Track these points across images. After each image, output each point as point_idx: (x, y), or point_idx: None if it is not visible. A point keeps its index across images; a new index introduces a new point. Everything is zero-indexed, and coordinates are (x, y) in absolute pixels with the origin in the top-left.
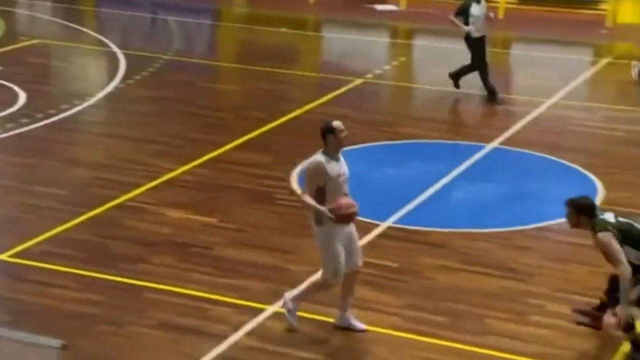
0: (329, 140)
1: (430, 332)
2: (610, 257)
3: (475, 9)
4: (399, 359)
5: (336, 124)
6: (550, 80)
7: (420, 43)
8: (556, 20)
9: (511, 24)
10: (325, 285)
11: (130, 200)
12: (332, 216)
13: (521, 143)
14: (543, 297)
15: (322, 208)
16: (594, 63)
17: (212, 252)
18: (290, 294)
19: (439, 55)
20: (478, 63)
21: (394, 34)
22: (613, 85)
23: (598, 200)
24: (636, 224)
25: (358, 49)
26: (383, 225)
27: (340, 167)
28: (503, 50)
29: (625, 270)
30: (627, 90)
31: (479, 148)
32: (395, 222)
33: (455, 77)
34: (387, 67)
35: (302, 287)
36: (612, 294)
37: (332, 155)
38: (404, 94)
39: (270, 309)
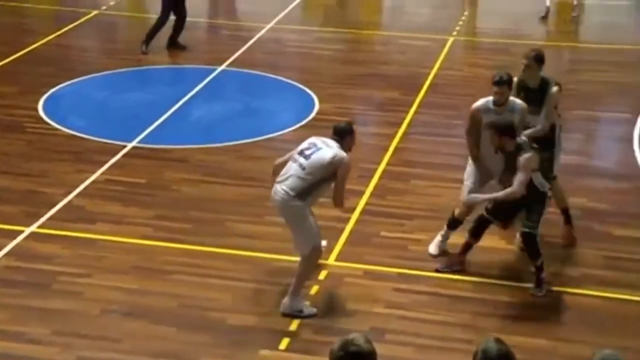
0: (347, 140)
1: (179, 239)
2: (525, 178)
3: None
4: (153, 265)
5: (355, 127)
6: (268, 5)
7: None
8: None
9: None
10: (318, 254)
11: None
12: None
13: (247, 64)
14: None
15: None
16: None
17: None
18: (286, 299)
19: None
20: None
21: None
22: (320, 9)
23: (314, 111)
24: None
25: None
26: (129, 146)
27: None
28: None
29: (519, 192)
30: (331, 13)
31: (211, 71)
32: (140, 142)
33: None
34: None
35: (294, 282)
36: (476, 232)
37: None
38: (139, 23)
39: (28, 230)
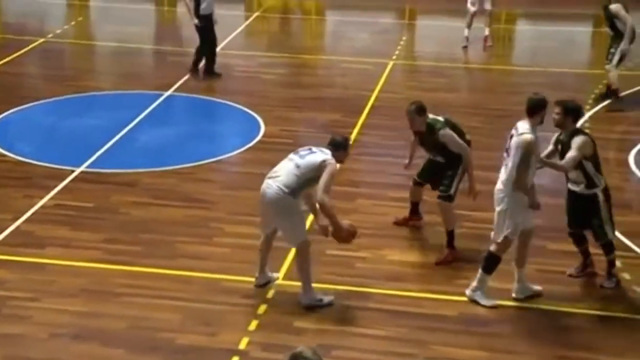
0: (339, 153)
1: (128, 261)
2: (576, 156)
3: None
4: (103, 287)
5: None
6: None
7: (95, 4)
8: None
9: None
10: (307, 248)
11: None
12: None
13: (193, 89)
14: (222, 220)
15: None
16: (247, 17)
17: None
18: (302, 295)
19: (114, 15)
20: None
21: None
22: (264, 35)
23: (260, 133)
24: None
25: (37, 10)
26: (77, 170)
27: None
28: (170, 8)
29: (568, 168)
30: (274, 38)
31: (157, 96)
32: (88, 167)
33: (196, 64)
34: (66, 27)
35: (301, 278)
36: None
37: None
38: (85, 50)
39: None
